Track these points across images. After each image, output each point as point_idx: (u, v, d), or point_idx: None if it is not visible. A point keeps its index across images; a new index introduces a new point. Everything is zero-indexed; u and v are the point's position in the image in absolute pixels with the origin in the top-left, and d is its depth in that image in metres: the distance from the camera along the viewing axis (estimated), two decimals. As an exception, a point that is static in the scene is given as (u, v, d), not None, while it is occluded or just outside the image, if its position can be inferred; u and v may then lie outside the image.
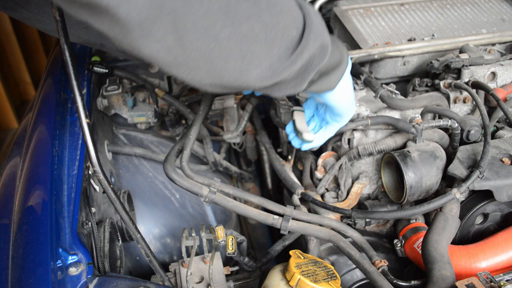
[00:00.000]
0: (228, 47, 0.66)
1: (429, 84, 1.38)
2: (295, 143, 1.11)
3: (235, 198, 1.10)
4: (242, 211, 1.05)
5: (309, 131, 1.06)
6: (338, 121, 1.05)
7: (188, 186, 1.02)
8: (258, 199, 1.10)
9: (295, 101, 1.39)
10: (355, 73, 1.47)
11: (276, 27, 0.70)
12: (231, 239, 1.04)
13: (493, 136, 1.23)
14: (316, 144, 1.09)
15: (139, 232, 0.95)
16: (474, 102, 1.32)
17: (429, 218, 1.17)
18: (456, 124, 1.15)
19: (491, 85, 1.32)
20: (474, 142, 1.21)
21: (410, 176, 1.08)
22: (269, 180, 1.77)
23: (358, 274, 1.16)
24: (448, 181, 1.14)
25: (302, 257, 0.94)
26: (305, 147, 1.10)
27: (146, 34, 0.58)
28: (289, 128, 1.13)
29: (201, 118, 1.25)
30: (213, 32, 0.63)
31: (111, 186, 0.85)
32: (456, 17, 1.65)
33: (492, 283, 0.83)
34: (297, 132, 1.09)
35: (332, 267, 0.95)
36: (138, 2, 0.55)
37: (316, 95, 0.98)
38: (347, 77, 0.95)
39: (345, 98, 0.97)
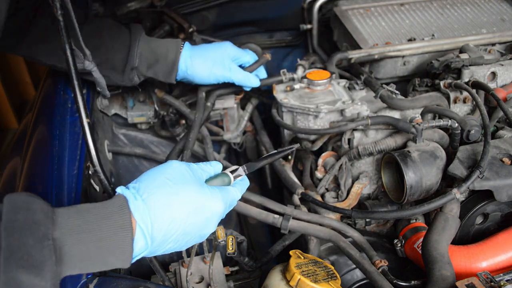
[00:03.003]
0: None
1: (429, 84, 1.38)
2: None
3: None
4: (242, 210, 1.06)
5: None
6: None
7: None
8: (259, 198, 1.11)
9: None
10: (355, 73, 1.47)
11: None
12: (231, 239, 1.04)
13: (493, 136, 1.23)
14: None
15: (139, 232, 0.95)
16: (474, 102, 1.32)
17: (429, 218, 1.17)
18: (456, 124, 1.15)
19: (491, 85, 1.32)
20: (474, 142, 1.21)
21: (410, 176, 1.08)
22: (269, 180, 1.77)
23: (358, 274, 1.16)
24: (448, 181, 1.14)
25: (302, 257, 0.94)
26: None
27: None
28: None
29: (197, 124, 1.32)
30: None
31: (111, 186, 0.84)
32: (456, 17, 1.66)
33: (492, 283, 0.83)
34: None
35: (332, 267, 0.95)
36: None
37: None
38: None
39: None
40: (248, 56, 1.39)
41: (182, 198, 0.76)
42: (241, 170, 0.90)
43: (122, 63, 1.24)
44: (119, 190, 0.76)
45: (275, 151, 0.95)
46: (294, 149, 0.96)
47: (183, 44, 1.30)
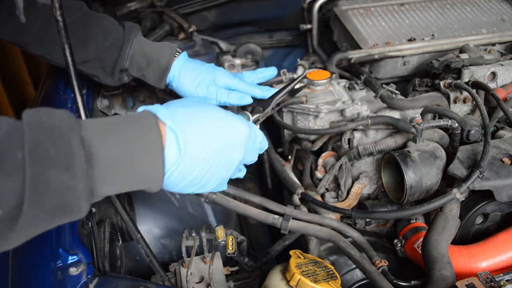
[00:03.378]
0: None
1: (429, 84, 1.38)
2: None
3: (235, 198, 1.10)
4: (242, 211, 1.06)
5: None
6: None
7: None
8: (259, 198, 1.11)
9: None
10: (355, 73, 1.47)
11: None
12: (231, 239, 1.04)
13: (493, 136, 1.23)
14: None
15: (139, 232, 0.95)
16: (474, 102, 1.32)
17: (429, 218, 1.17)
18: (456, 124, 1.15)
19: (491, 85, 1.32)
20: (474, 142, 1.21)
21: (410, 176, 1.08)
22: (269, 180, 1.77)
23: (358, 274, 1.16)
24: (448, 181, 1.14)
25: (302, 257, 0.94)
26: None
27: None
28: None
29: None
30: None
31: (111, 186, 0.84)
32: (456, 17, 1.66)
33: (492, 283, 0.83)
34: None
35: (332, 267, 0.95)
36: None
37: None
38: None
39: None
40: (242, 84, 1.23)
41: (210, 114, 0.75)
42: (258, 109, 1.00)
43: (112, 64, 1.19)
44: (141, 108, 0.73)
45: (285, 85, 1.06)
46: (303, 75, 1.10)
47: (179, 53, 1.23)
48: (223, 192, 1.05)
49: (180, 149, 0.69)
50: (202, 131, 0.73)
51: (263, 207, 1.11)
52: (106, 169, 0.63)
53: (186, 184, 0.75)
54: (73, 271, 0.87)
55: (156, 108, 0.72)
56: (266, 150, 1.49)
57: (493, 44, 1.47)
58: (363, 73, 1.40)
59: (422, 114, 1.24)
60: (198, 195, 1.02)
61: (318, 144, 1.36)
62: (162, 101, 1.50)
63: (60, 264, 0.88)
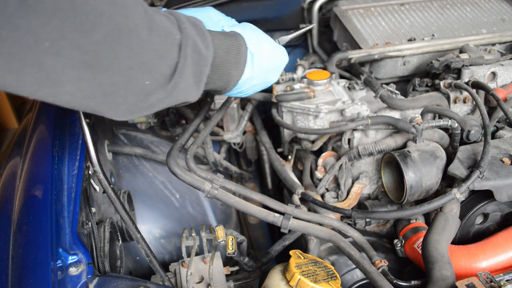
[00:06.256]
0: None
1: (429, 84, 1.38)
2: None
3: (235, 194, 1.10)
4: (243, 208, 1.05)
5: None
6: None
7: (191, 181, 1.00)
8: (260, 196, 1.10)
9: None
10: (355, 73, 1.47)
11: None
12: (231, 239, 1.04)
13: (493, 136, 1.23)
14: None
15: (139, 232, 0.95)
16: (474, 102, 1.32)
17: (429, 218, 1.17)
18: (456, 124, 1.15)
19: (491, 85, 1.32)
20: (474, 142, 1.21)
21: (410, 176, 1.08)
22: (269, 180, 1.77)
23: (358, 274, 1.16)
24: (448, 181, 1.14)
25: (302, 257, 0.94)
26: None
27: None
28: None
29: (215, 121, 1.29)
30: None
31: (111, 186, 0.85)
32: (456, 17, 1.66)
33: (492, 283, 0.83)
34: None
35: (332, 267, 0.95)
36: None
37: None
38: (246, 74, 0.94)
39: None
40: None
41: (273, 45, 1.01)
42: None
43: None
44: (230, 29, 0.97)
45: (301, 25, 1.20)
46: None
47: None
48: (225, 189, 1.05)
49: (253, 68, 0.95)
50: (266, 60, 0.99)
51: (264, 205, 1.11)
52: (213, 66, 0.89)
53: (248, 88, 1.00)
54: (73, 271, 0.87)
55: (242, 33, 0.97)
56: (266, 150, 1.49)
57: (493, 44, 1.47)
58: (363, 73, 1.40)
59: (422, 114, 1.24)
60: (200, 190, 1.01)
61: (318, 144, 1.36)
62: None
63: (60, 264, 0.88)
